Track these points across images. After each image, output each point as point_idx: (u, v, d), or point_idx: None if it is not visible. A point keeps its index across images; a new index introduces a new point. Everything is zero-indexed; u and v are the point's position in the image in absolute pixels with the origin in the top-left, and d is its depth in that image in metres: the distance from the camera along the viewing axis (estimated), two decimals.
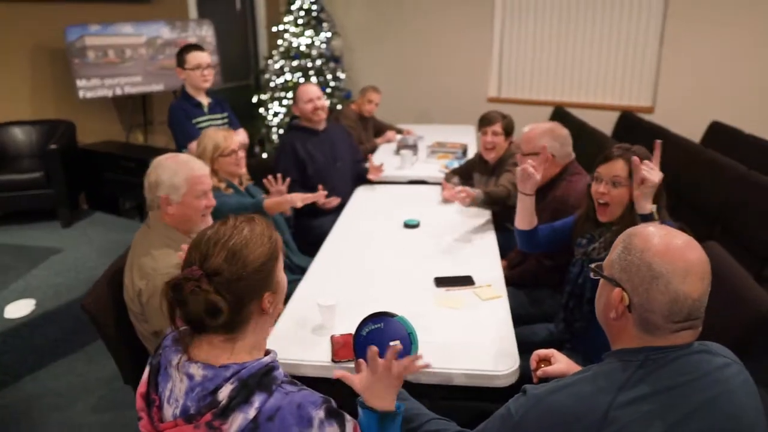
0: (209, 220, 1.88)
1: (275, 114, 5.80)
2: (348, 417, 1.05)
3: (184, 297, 0.98)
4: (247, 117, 5.77)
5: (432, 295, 1.99)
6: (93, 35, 4.32)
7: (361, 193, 3.26)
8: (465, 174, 3.36)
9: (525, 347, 1.74)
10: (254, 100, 6.03)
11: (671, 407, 0.95)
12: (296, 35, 5.71)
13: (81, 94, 4.32)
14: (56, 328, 2.89)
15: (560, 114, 5.21)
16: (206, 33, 4.96)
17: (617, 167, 1.81)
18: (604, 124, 5.11)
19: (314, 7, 5.80)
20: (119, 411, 2.49)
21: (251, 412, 0.96)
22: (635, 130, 4.70)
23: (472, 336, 1.73)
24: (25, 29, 4.25)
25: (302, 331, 1.77)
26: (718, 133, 4.47)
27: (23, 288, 3.06)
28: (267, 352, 1.08)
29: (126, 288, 1.75)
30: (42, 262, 3.38)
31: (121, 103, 4.90)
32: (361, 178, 3.43)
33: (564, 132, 2.51)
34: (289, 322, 1.82)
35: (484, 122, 3.09)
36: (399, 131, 4.72)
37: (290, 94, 5.72)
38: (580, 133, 4.45)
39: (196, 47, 3.08)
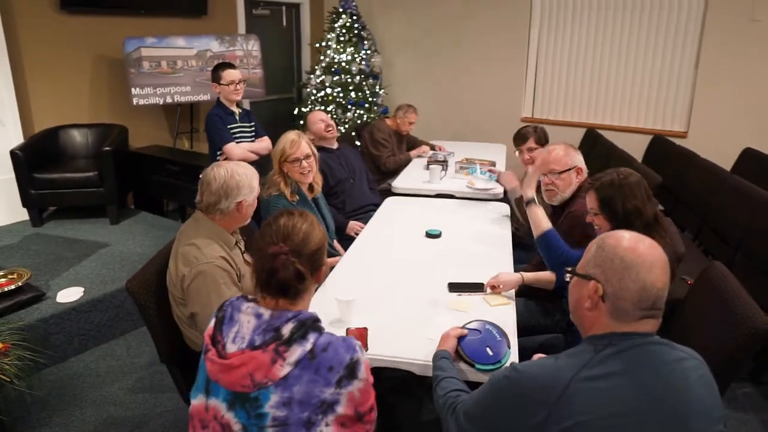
0: None
1: None
2: None
3: (276, 267, 1.27)
4: (287, 129, 6.02)
5: (444, 298, 2.12)
6: (149, 47, 4.65)
7: (389, 204, 3.41)
8: None
9: (526, 352, 1.85)
10: (295, 112, 6.29)
11: (628, 388, 1.07)
12: (338, 51, 5.96)
13: (134, 101, 4.64)
14: (101, 315, 3.12)
15: (592, 136, 5.27)
16: (252, 47, 5.25)
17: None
18: (636, 147, 5.13)
19: (356, 25, 6.05)
20: (151, 393, 2.70)
21: (308, 346, 1.22)
22: (665, 154, 4.72)
23: None
24: (89, 40, 4.60)
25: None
26: (750, 160, 4.45)
27: (73, 276, 3.32)
28: None
29: (169, 273, 1.94)
30: (91, 254, 3.65)
31: (170, 111, 5.23)
32: (373, 190, 3.71)
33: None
34: None
35: (518, 140, 3.27)
36: (432, 147, 4.87)
37: (330, 108, 5.96)
38: (610, 154, 4.52)
39: (230, 65, 3.42)
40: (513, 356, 1.77)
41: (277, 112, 6.51)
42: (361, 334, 1.82)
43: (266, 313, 1.27)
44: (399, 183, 3.87)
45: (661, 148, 4.89)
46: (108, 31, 4.68)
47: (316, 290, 1.45)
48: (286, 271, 1.27)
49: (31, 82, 4.28)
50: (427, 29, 6.41)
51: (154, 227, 4.21)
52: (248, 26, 5.96)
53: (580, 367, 1.10)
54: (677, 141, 4.96)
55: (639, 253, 1.14)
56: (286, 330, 1.23)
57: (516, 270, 2.52)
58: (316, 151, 2.76)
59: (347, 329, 1.86)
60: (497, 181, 3.64)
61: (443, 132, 6.22)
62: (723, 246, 3.44)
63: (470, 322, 1.77)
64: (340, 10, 6.02)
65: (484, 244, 2.72)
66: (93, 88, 4.71)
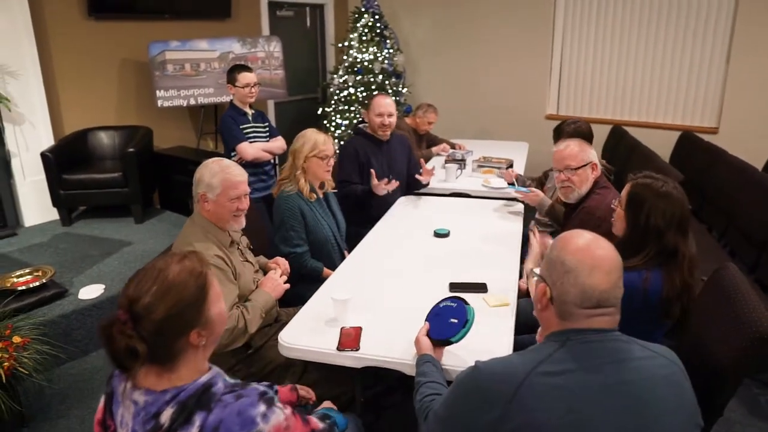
0: (242, 221, 2.10)
1: (337, 126, 6.07)
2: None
3: (107, 337, 1.06)
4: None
5: (443, 297, 2.10)
6: (173, 50, 4.76)
7: (403, 203, 3.40)
8: (540, 180, 3.49)
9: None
10: (318, 112, 6.33)
11: (583, 386, 1.07)
12: (360, 51, 5.97)
13: (159, 103, 4.77)
14: None
15: (617, 133, 5.14)
16: (274, 49, 5.31)
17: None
18: (665, 144, 5.00)
19: (378, 24, 6.05)
20: None
21: (194, 431, 1.04)
22: (693, 150, 4.57)
23: (471, 338, 1.80)
24: (116, 45, 4.74)
25: (316, 322, 1.94)
26: None
27: (96, 274, 3.43)
28: (209, 368, 1.16)
29: None
30: (114, 252, 3.77)
31: (195, 112, 5.34)
32: (411, 187, 3.52)
33: None
34: (308, 314, 2.00)
35: (554, 136, 3.36)
36: (452, 146, 4.84)
37: (352, 108, 5.98)
38: (634, 151, 4.41)
39: (245, 68, 3.45)
40: (508, 349, 1.77)
41: (301, 113, 6.58)
42: (356, 333, 1.83)
43: (140, 399, 1.08)
44: None
45: (690, 144, 4.74)
46: (134, 36, 4.81)
47: (213, 347, 1.21)
48: (117, 343, 1.05)
49: (61, 86, 4.44)
50: (451, 27, 6.36)
51: (177, 226, 4.30)
52: (272, 28, 6.03)
53: (538, 362, 1.11)
54: (708, 137, 4.79)
55: (581, 257, 1.14)
56: (166, 417, 1.05)
57: (521, 271, 2.49)
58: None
59: (342, 328, 1.87)
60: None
61: (467, 130, 6.17)
62: (749, 246, 3.32)
63: (428, 314, 1.78)
64: (363, 9, 6.03)
65: (492, 244, 2.69)
66: (120, 91, 4.86)
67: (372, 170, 3.10)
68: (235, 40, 5.10)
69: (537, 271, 1.27)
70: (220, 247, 2.01)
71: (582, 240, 1.19)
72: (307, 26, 6.61)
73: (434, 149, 4.70)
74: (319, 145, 2.60)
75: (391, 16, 6.38)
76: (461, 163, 4.12)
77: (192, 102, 4.93)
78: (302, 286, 2.34)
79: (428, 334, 1.69)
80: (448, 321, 1.69)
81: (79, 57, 4.51)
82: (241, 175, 2.08)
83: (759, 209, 3.25)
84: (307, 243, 2.61)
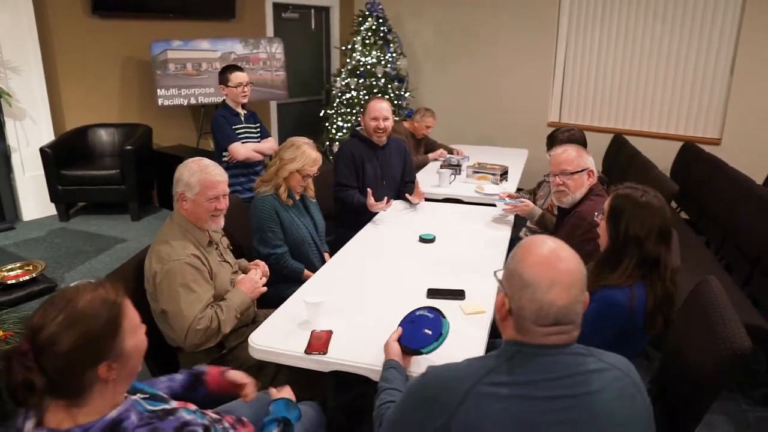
0: (220, 221, 2.09)
1: (338, 129, 6.07)
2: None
3: (8, 369, 1.00)
4: (314, 130, 6.10)
5: (419, 304, 2.08)
6: (175, 50, 4.79)
7: (393, 207, 3.37)
8: (534, 191, 3.49)
9: None
10: (321, 114, 6.35)
11: (530, 398, 1.05)
12: (363, 54, 5.98)
13: (160, 101, 4.80)
14: None
15: (618, 142, 5.10)
16: (276, 50, 5.33)
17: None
18: (666, 154, 4.95)
19: (382, 28, 6.05)
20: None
21: None
22: (693, 161, 4.52)
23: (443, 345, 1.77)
24: (119, 43, 4.79)
25: (289, 325, 1.93)
26: None
27: (87, 270, 3.46)
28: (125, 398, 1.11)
29: (145, 270, 1.99)
30: (108, 249, 3.79)
31: (196, 111, 5.37)
32: (402, 194, 3.49)
33: None
34: (282, 316, 1.99)
35: (547, 144, 3.36)
36: (450, 151, 4.82)
37: (354, 111, 5.98)
38: (632, 161, 4.37)
39: (237, 68, 3.45)
40: (480, 349, 1.76)
41: (303, 114, 6.59)
42: (325, 337, 1.82)
43: None
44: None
45: (691, 155, 4.69)
46: (138, 34, 4.85)
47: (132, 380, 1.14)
48: (14, 376, 0.98)
49: (63, 82, 4.49)
50: (454, 32, 6.35)
51: None
52: (276, 29, 6.06)
53: (487, 371, 1.08)
54: (710, 149, 4.74)
55: (540, 270, 1.08)
56: None
57: None
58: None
59: (312, 331, 1.86)
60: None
61: (469, 135, 6.15)
62: (744, 260, 3.27)
63: (402, 320, 1.76)
64: (367, 13, 6.04)
65: (478, 250, 2.67)
66: (122, 89, 4.90)
67: (369, 189, 3.10)
68: (237, 41, 5.12)
69: (499, 276, 1.21)
70: (197, 246, 2.01)
71: (542, 250, 1.12)
72: (312, 28, 6.62)
73: (431, 155, 4.68)
74: (307, 165, 2.58)
75: (395, 20, 6.39)
76: (456, 168, 4.10)
77: (192, 101, 4.95)
78: (282, 287, 2.34)
79: (399, 340, 1.67)
80: (422, 331, 1.67)
81: (81, 54, 4.56)
82: (220, 175, 2.08)
83: (755, 223, 3.21)
84: (285, 244, 2.60)
